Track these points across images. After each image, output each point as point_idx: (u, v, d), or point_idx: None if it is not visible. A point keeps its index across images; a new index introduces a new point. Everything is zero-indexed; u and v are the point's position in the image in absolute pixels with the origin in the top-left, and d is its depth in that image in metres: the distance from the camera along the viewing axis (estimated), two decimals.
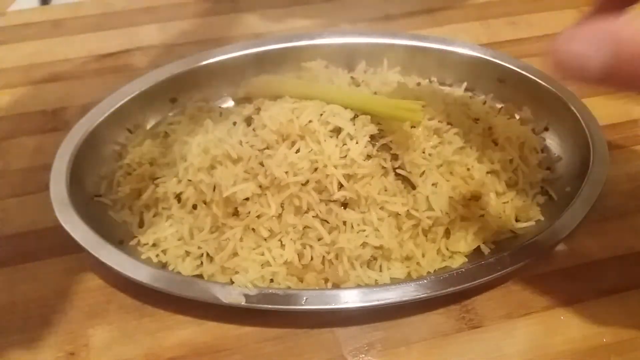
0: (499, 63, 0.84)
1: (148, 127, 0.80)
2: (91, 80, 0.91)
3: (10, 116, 0.86)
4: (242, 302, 0.60)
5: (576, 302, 0.65)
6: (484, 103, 0.82)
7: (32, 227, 0.72)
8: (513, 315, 0.65)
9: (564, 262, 0.69)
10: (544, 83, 0.81)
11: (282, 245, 0.65)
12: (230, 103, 0.84)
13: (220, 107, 0.83)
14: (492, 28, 0.98)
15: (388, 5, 1.02)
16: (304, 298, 0.61)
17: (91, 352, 0.62)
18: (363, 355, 0.62)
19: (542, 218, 0.71)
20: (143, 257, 0.67)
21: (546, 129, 0.81)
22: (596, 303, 0.65)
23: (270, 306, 0.61)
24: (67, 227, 0.65)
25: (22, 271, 0.68)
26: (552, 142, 0.80)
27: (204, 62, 0.84)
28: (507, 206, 0.72)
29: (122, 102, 0.79)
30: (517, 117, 0.81)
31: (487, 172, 0.71)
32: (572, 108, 0.78)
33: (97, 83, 0.91)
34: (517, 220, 0.72)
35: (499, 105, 0.83)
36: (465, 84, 0.85)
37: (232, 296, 0.61)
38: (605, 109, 0.83)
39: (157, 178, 0.71)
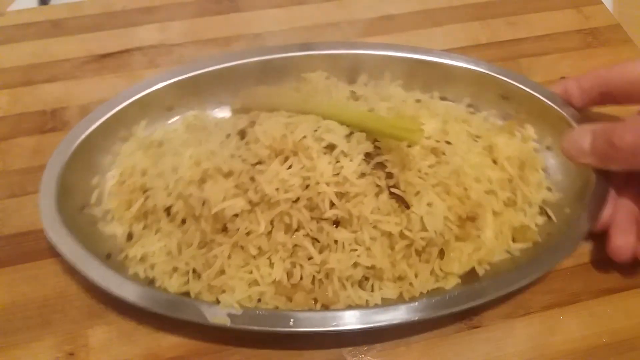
0: (503, 79, 0.81)
1: (142, 135, 0.79)
2: (91, 81, 0.91)
3: (10, 116, 0.86)
4: (228, 323, 0.59)
5: (576, 302, 0.66)
6: (486, 119, 0.80)
7: (32, 227, 0.72)
8: (512, 315, 0.65)
9: (563, 262, 0.68)
10: (548, 102, 0.79)
11: (271, 264, 0.63)
12: (227, 112, 0.82)
13: (216, 116, 0.82)
14: (492, 28, 0.97)
15: (388, 5, 1.01)
16: (291, 320, 0.60)
17: (90, 352, 0.62)
18: (363, 355, 0.62)
19: (540, 239, 0.70)
20: (130, 272, 0.66)
21: (548, 148, 0.79)
22: (596, 303, 0.65)
23: (256, 327, 0.59)
24: (54, 240, 0.64)
25: (22, 271, 0.68)
26: (554, 161, 0.78)
27: (203, 70, 0.82)
28: (504, 226, 0.70)
29: (116, 109, 0.77)
30: (519, 134, 0.80)
31: (485, 192, 0.70)
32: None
33: (97, 83, 0.90)
34: (514, 241, 0.70)
35: (500, 122, 0.81)
36: (467, 100, 0.83)
37: (217, 316, 0.60)
38: (605, 109, 0.82)
39: (148, 189, 0.70)
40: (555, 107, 0.78)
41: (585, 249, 0.70)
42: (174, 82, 0.81)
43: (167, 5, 1.03)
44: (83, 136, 0.74)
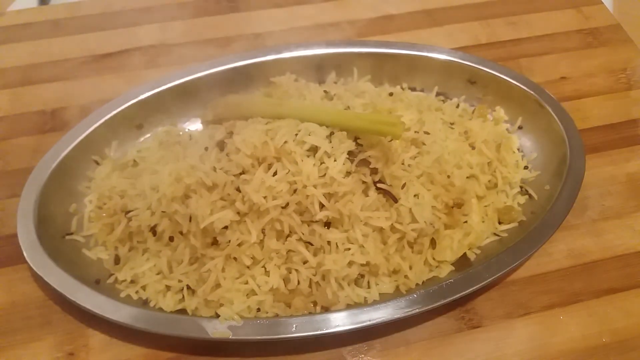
0: (468, 65, 0.83)
1: (115, 156, 0.77)
2: (90, 81, 0.90)
3: (10, 116, 0.85)
4: (229, 335, 0.59)
5: (575, 301, 0.66)
6: (457, 106, 0.81)
7: None
8: (512, 315, 0.65)
9: (563, 262, 0.69)
10: (514, 82, 0.80)
11: (267, 272, 0.63)
12: (198, 125, 0.81)
13: (189, 130, 0.80)
14: (492, 28, 0.98)
15: (388, 5, 1.02)
16: (294, 325, 0.59)
17: (90, 352, 0.62)
18: (362, 355, 0.62)
19: (525, 218, 0.71)
20: (122, 295, 0.64)
21: (520, 128, 0.80)
22: (596, 303, 0.66)
23: (259, 337, 0.59)
24: (40, 271, 0.63)
25: (22, 271, 0.68)
26: (527, 140, 0.79)
27: (169, 85, 0.81)
28: (488, 209, 0.71)
29: (86, 133, 0.75)
30: (490, 117, 0.81)
31: (467, 177, 0.71)
32: (545, 105, 0.77)
33: (97, 83, 0.90)
34: (500, 223, 0.71)
35: (471, 107, 0.82)
36: (436, 88, 0.83)
37: (218, 330, 0.59)
38: (606, 109, 0.84)
39: (130, 211, 0.68)
40: (521, 86, 0.80)
41: (585, 249, 0.70)
42: (141, 100, 0.80)
43: (167, 5, 1.03)
44: (55, 164, 0.72)
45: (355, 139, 0.66)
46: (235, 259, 0.63)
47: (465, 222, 0.69)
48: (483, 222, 0.70)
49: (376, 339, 0.63)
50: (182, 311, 0.63)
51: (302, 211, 0.63)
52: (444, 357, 0.62)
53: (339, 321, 0.60)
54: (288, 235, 0.63)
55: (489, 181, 0.73)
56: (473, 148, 0.74)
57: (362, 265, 0.64)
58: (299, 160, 0.63)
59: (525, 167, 0.76)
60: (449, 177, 0.68)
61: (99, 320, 0.61)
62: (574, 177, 0.70)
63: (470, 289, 0.62)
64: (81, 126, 0.76)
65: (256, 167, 0.63)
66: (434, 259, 0.67)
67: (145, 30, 0.98)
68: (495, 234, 0.70)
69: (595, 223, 0.72)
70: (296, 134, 0.65)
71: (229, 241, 0.62)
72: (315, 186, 0.62)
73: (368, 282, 0.65)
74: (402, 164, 0.66)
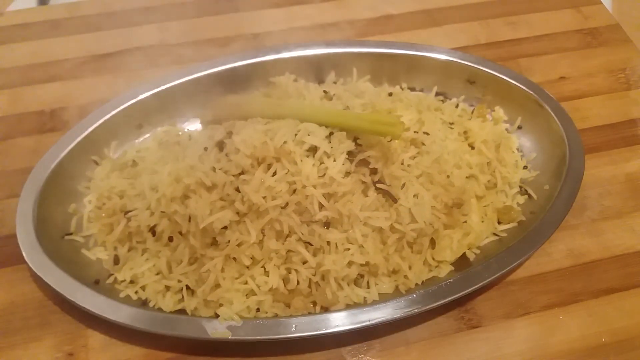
0: (467, 65, 0.83)
1: (114, 156, 0.77)
2: (90, 81, 0.90)
3: (9, 116, 0.85)
4: (229, 336, 0.59)
5: (575, 301, 0.66)
6: (457, 106, 0.81)
7: None
8: (512, 315, 0.65)
9: (563, 262, 0.69)
10: (514, 82, 0.80)
11: (266, 272, 0.63)
12: (198, 125, 0.81)
13: (188, 130, 0.80)
14: (491, 28, 0.98)
15: (388, 5, 1.02)
16: (293, 325, 0.59)
17: (90, 353, 0.62)
18: (362, 355, 0.62)
19: (524, 218, 0.71)
20: (121, 295, 0.64)
21: (519, 128, 0.80)
22: (595, 303, 0.66)
23: (258, 337, 0.59)
24: (39, 271, 0.63)
25: (21, 271, 0.67)
26: (527, 140, 0.79)
27: (168, 85, 0.81)
28: (488, 209, 0.71)
29: (86, 133, 0.75)
30: (490, 117, 0.81)
31: (466, 177, 0.71)
32: (545, 105, 0.77)
33: (96, 83, 0.89)
34: (499, 223, 0.71)
35: (471, 107, 0.82)
36: (435, 88, 0.83)
37: (218, 330, 0.59)
38: (605, 109, 0.84)
39: (129, 211, 0.68)
40: (521, 86, 0.80)
41: (585, 249, 0.70)
42: (140, 100, 0.79)
43: (166, 5, 1.03)
44: (54, 164, 0.72)
45: (355, 139, 0.66)
46: (234, 259, 0.63)
47: (465, 222, 0.69)
48: (482, 222, 0.70)
49: (376, 339, 0.63)
50: (182, 311, 0.63)
51: (301, 211, 0.63)
52: (444, 357, 0.62)
53: (339, 321, 0.60)
54: (287, 236, 0.63)
55: (489, 181, 0.73)
56: (472, 148, 0.74)
57: (361, 265, 0.64)
58: (298, 160, 0.63)
59: (525, 167, 0.76)
60: (448, 177, 0.69)
61: (98, 320, 0.61)
62: (573, 177, 0.70)
63: (470, 289, 0.62)
64: (80, 126, 0.76)
65: (255, 167, 0.63)
66: (433, 259, 0.67)
67: (144, 30, 0.98)
68: (494, 234, 0.70)
69: (595, 223, 0.72)
70: (295, 134, 0.65)
71: (229, 241, 0.62)
72: (314, 186, 0.62)
73: (367, 282, 0.65)
74: (402, 164, 0.67)
